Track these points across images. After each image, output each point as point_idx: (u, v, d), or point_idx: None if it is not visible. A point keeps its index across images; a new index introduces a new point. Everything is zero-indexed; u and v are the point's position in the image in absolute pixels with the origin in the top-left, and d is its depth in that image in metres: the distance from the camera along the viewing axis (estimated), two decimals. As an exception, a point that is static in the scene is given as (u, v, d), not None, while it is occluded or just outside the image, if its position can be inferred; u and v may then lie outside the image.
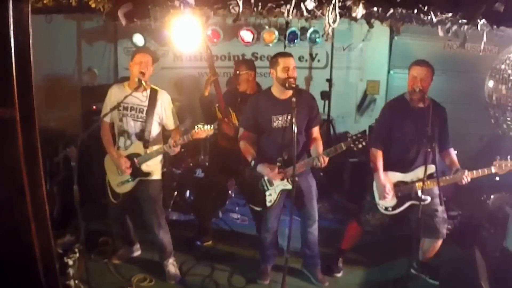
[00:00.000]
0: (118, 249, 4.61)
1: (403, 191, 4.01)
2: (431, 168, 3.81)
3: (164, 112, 4.10)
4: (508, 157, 3.78)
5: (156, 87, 4.12)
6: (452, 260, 4.35)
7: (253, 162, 3.91)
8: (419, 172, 3.94)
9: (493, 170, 3.80)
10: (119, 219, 4.44)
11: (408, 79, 3.93)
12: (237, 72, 4.64)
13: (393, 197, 4.00)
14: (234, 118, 4.61)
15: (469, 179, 3.81)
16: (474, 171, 3.82)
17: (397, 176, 4.02)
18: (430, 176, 3.83)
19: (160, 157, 4.18)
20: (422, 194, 3.73)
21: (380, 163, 3.99)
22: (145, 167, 4.07)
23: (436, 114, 3.82)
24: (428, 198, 3.93)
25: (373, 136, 4.10)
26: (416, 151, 3.99)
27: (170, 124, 4.17)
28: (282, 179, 3.91)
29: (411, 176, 4.01)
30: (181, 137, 3.95)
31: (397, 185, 4.01)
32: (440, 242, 4.16)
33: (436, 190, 3.95)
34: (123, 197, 4.18)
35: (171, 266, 4.31)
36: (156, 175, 4.19)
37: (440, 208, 4.01)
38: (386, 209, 4.06)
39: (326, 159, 3.76)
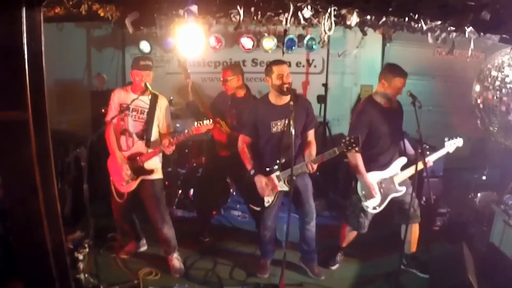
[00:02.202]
0: (125, 244, 4.61)
1: (384, 187, 4.05)
2: (404, 160, 4.05)
3: (163, 115, 4.10)
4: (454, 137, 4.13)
5: (156, 92, 4.11)
6: (441, 255, 4.35)
7: (252, 172, 3.94)
8: (395, 166, 4.07)
9: (445, 150, 4.12)
10: (125, 216, 4.43)
11: (389, 86, 3.96)
12: (226, 77, 4.61)
13: (377, 195, 4.03)
14: (224, 125, 4.58)
15: (431, 163, 4.06)
16: (434, 154, 4.12)
17: (378, 175, 4.04)
18: (403, 168, 4.05)
19: (160, 156, 4.17)
20: (400, 185, 3.91)
21: (362, 165, 3.97)
22: (147, 165, 4.07)
23: (402, 111, 4.08)
24: (404, 188, 4.05)
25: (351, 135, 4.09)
26: (390, 148, 4.06)
27: (164, 128, 4.14)
28: (278, 181, 3.92)
29: (389, 172, 4.06)
30: (172, 139, 3.95)
31: (379, 183, 4.04)
32: (418, 226, 4.22)
33: (409, 181, 4.10)
34: (127, 196, 4.18)
35: (176, 260, 4.31)
36: (158, 175, 4.18)
37: (413, 195, 4.06)
38: (374, 208, 4.06)
39: (315, 166, 3.80)
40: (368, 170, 3.99)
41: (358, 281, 4.28)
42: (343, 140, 3.66)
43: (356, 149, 3.67)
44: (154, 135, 4.10)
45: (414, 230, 4.22)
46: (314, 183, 4.22)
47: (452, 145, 4.12)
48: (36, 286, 2.90)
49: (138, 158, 4.03)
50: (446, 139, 4.13)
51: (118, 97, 4.04)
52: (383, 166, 4.06)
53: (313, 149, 3.99)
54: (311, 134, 4.08)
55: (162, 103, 4.09)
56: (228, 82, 4.59)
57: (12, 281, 3.50)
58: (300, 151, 4.05)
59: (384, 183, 4.04)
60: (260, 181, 3.89)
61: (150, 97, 4.03)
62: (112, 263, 4.39)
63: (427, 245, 4.54)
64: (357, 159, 3.95)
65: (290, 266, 4.23)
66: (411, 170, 4.00)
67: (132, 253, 4.57)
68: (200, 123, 3.89)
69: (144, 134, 4.03)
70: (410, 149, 4.21)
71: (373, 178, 4.00)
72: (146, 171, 4.08)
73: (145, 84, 3.87)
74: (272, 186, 3.92)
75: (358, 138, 3.62)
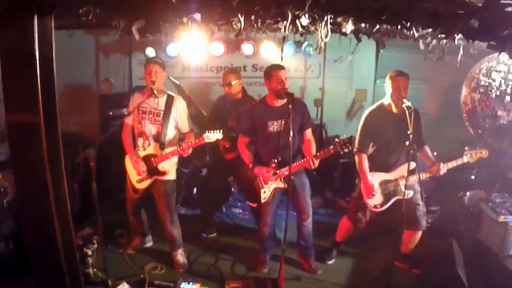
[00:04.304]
0: (132, 240, 4.61)
1: (388, 188, 4.00)
2: (412, 165, 3.77)
3: (179, 116, 4.09)
4: (477, 147, 3.96)
5: (173, 94, 4.13)
6: (432, 251, 4.36)
7: (251, 165, 3.97)
8: (401, 170, 3.95)
9: (465, 159, 3.92)
10: (136, 212, 4.43)
11: (390, 88, 3.88)
12: (229, 82, 4.59)
13: (380, 195, 3.99)
14: (225, 132, 4.52)
15: (445, 170, 3.88)
16: (449, 163, 3.90)
17: (382, 176, 4.01)
18: (412, 172, 3.81)
19: (175, 158, 4.15)
20: (405, 189, 3.68)
21: (366, 167, 3.96)
22: (161, 167, 4.06)
23: (413, 117, 3.82)
24: (411, 192, 3.93)
25: (358, 142, 4.03)
26: (398, 152, 3.99)
27: (185, 127, 4.15)
28: (275, 180, 3.92)
29: (394, 175, 4.01)
30: (192, 141, 3.96)
31: (383, 184, 4.00)
32: (420, 233, 4.13)
33: (417, 187, 3.97)
34: (141, 192, 4.18)
35: (180, 256, 4.31)
36: (171, 175, 4.16)
37: (421, 203, 4.02)
38: (375, 207, 4.04)
39: (317, 162, 3.77)
40: (372, 170, 3.98)
41: (353, 276, 4.27)
42: (337, 140, 3.65)
43: (350, 148, 3.66)
44: (170, 137, 4.09)
45: (416, 237, 4.14)
46: (311, 182, 4.21)
47: (474, 155, 3.93)
48: (47, 280, 2.90)
49: (152, 159, 4.04)
50: (466, 148, 3.99)
51: (137, 98, 4.05)
52: (388, 168, 4.02)
53: (312, 146, 4.01)
54: (308, 133, 4.09)
55: (179, 104, 4.08)
56: (232, 86, 4.59)
57: (24, 276, 3.50)
58: (298, 151, 4.06)
59: (389, 184, 4.01)
60: (261, 170, 3.92)
61: (165, 99, 4.03)
62: (120, 258, 4.39)
63: (419, 241, 4.54)
64: (362, 159, 3.97)
65: (288, 261, 4.22)
66: (422, 174, 3.88)
67: (138, 248, 4.57)
68: (209, 134, 3.91)
69: (159, 136, 4.03)
70: (430, 156, 4.07)
71: (375, 178, 3.98)
72: (160, 172, 4.07)
73: (151, 88, 3.86)
74: (273, 172, 3.91)
75: (351, 138, 3.61)
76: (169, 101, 4.04)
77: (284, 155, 3.85)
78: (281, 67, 3.89)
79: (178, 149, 3.97)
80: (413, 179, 3.87)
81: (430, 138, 4.16)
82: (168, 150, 4.03)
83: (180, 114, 4.09)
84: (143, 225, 4.56)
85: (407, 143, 3.56)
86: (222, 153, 4.76)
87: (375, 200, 4.01)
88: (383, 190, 4.00)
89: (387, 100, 4.00)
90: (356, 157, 4.01)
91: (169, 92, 4.12)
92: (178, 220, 4.33)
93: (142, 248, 4.60)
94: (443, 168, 3.87)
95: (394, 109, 3.94)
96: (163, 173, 4.08)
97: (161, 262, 4.30)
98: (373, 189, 3.93)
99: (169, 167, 4.12)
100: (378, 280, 4.12)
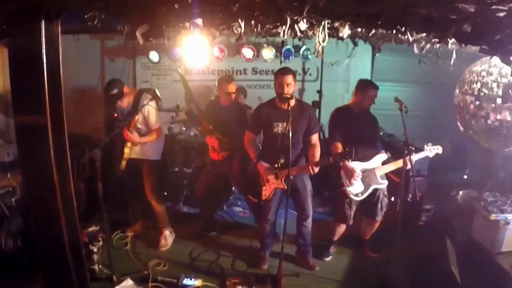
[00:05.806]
0: (133, 223, 4.85)
1: (367, 177, 4.09)
2: (385, 156, 4.15)
3: (147, 110, 4.27)
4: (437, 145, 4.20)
5: (142, 90, 4.42)
6: (426, 248, 4.36)
7: (255, 160, 4.00)
8: (377, 160, 4.14)
9: (427, 153, 4.18)
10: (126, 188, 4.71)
11: (364, 98, 4.09)
12: (231, 92, 4.48)
13: (360, 183, 4.07)
14: (215, 132, 4.51)
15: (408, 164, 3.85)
16: (415, 155, 4.03)
17: (360, 165, 4.08)
18: (384, 163, 4.14)
19: (152, 144, 4.41)
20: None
21: None
22: (127, 150, 4.31)
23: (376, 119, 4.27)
24: (386, 182, 4.13)
25: (331, 134, 4.17)
26: (367, 145, 4.12)
27: (153, 123, 4.34)
28: (275, 178, 3.93)
29: (370, 165, 4.11)
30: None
31: (362, 172, 4.08)
32: (378, 224, 4.35)
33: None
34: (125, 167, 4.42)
35: (163, 239, 4.54)
36: (143, 156, 4.40)
37: (385, 193, 4.19)
38: (356, 195, 4.08)
39: (316, 169, 3.79)
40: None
41: (350, 272, 4.28)
42: (339, 152, 3.72)
43: (349, 160, 3.69)
44: (139, 127, 4.30)
45: (375, 226, 4.37)
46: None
47: (432, 150, 4.18)
48: (54, 276, 2.90)
49: (129, 144, 4.28)
50: (427, 144, 4.18)
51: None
52: (364, 159, 4.10)
53: (317, 151, 4.00)
54: (315, 138, 4.08)
55: (145, 99, 4.27)
56: (235, 93, 4.56)
57: (32, 272, 3.50)
58: (301, 154, 4.06)
59: (366, 173, 4.09)
60: (263, 166, 3.94)
61: (135, 97, 4.34)
62: (124, 255, 4.39)
63: (414, 239, 4.54)
64: (338, 146, 4.04)
65: (287, 258, 4.22)
66: (391, 166, 4.09)
67: (138, 232, 4.79)
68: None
69: (130, 125, 4.26)
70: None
71: (355, 166, 4.03)
72: (134, 153, 4.35)
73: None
74: (274, 169, 3.92)
75: (352, 150, 3.62)
76: (138, 97, 4.33)
77: (287, 156, 3.84)
78: (285, 73, 3.82)
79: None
80: (386, 168, 4.09)
81: (425, 139, 4.17)
82: (143, 138, 4.32)
83: (147, 110, 4.29)
84: (134, 210, 4.83)
85: (401, 143, 3.60)
86: (210, 153, 4.72)
87: (356, 188, 4.06)
88: (363, 178, 4.08)
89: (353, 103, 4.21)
90: (333, 147, 4.07)
91: (139, 90, 4.46)
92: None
93: (141, 231, 4.82)
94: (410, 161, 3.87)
95: (361, 112, 4.15)
96: (132, 154, 4.36)
97: (164, 259, 4.30)
98: (355, 171, 3.97)
99: (139, 150, 4.39)
100: (374, 276, 4.12)
